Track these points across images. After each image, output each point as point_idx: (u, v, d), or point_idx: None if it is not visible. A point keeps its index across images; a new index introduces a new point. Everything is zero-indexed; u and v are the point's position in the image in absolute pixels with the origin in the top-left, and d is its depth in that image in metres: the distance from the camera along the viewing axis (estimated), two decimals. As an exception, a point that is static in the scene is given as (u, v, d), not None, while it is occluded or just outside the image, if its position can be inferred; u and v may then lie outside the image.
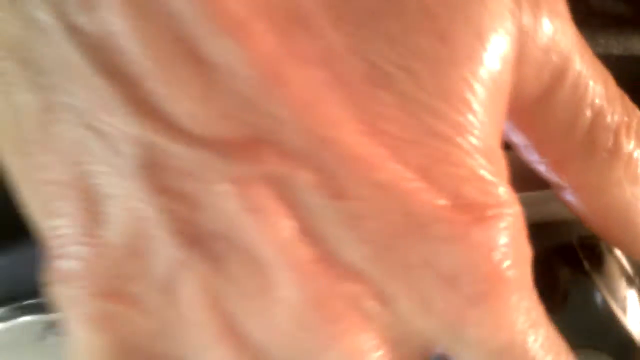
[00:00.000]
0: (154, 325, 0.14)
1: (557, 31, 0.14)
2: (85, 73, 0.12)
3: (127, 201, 0.13)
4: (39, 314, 0.23)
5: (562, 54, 0.14)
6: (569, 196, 0.16)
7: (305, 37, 0.12)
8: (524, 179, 0.15)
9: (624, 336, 0.18)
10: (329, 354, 0.13)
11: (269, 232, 0.12)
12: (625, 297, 0.19)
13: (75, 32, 0.12)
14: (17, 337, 0.24)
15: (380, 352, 0.13)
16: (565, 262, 0.17)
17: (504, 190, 0.13)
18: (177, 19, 0.11)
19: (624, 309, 0.19)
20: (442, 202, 0.12)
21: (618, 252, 0.19)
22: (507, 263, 0.13)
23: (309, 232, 0.12)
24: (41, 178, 0.13)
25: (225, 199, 0.12)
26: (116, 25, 0.11)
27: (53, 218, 0.13)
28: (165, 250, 0.13)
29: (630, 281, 0.19)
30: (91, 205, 0.13)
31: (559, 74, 0.14)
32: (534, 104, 0.14)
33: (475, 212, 0.12)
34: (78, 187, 0.13)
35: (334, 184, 0.12)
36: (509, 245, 0.13)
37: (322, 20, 0.12)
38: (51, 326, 0.24)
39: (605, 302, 0.18)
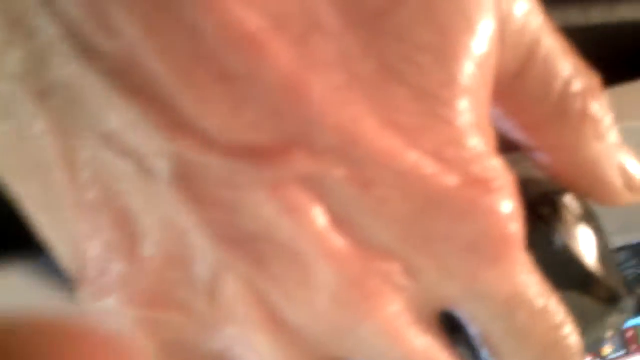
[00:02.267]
0: (198, 325, 0.14)
1: (528, 13, 0.15)
2: (111, 97, 0.12)
3: (162, 214, 0.13)
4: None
5: (534, 33, 0.15)
6: (542, 156, 0.17)
7: (320, 43, 0.13)
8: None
9: (584, 272, 0.21)
10: (364, 327, 0.14)
11: (305, 228, 0.13)
12: (579, 239, 0.22)
13: (94, 56, 0.12)
14: None
15: (405, 318, 0.15)
16: (529, 215, 0.19)
17: (498, 162, 0.14)
18: (198, 37, 0.12)
19: (580, 250, 0.21)
20: (453, 181, 0.13)
21: (571, 204, 0.21)
22: (513, 225, 0.14)
23: (342, 223, 0.13)
24: (70, 203, 0.13)
25: (261, 204, 0.13)
26: (139, 48, 0.12)
27: (86, 241, 0.13)
28: (206, 256, 0.13)
29: (583, 225, 0.21)
30: (126, 223, 0.13)
31: (532, 51, 0.15)
32: (511, 78, 0.16)
33: (482, 186, 0.14)
34: (111, 207, 0.13)
35: (361, 175, 0.13)
36: (512, 210, 0.14)
37: (334, 25, 0.13)
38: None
39: (565, 245, 0.21)
